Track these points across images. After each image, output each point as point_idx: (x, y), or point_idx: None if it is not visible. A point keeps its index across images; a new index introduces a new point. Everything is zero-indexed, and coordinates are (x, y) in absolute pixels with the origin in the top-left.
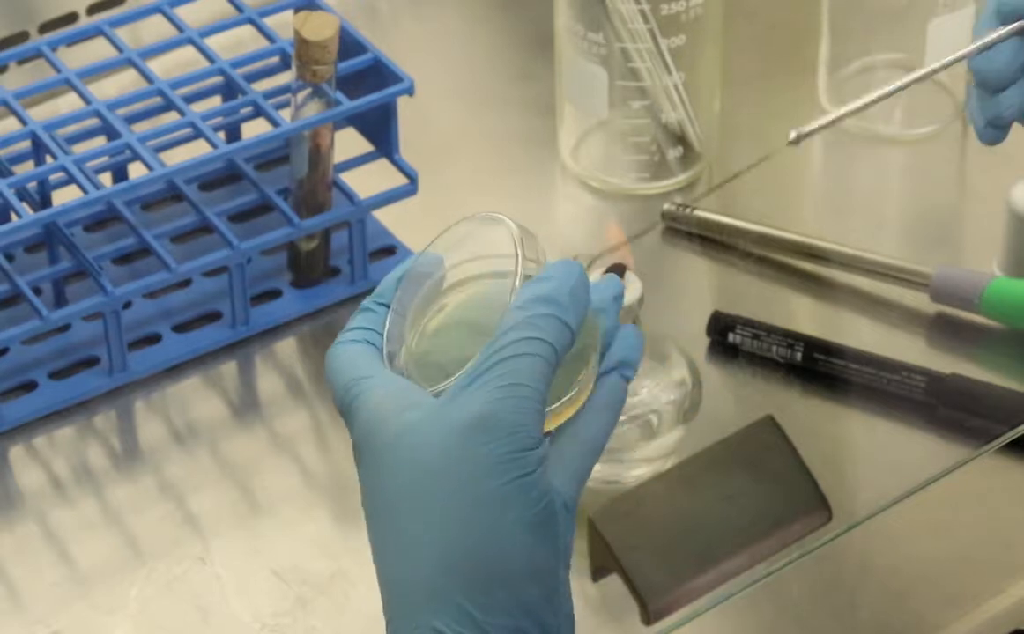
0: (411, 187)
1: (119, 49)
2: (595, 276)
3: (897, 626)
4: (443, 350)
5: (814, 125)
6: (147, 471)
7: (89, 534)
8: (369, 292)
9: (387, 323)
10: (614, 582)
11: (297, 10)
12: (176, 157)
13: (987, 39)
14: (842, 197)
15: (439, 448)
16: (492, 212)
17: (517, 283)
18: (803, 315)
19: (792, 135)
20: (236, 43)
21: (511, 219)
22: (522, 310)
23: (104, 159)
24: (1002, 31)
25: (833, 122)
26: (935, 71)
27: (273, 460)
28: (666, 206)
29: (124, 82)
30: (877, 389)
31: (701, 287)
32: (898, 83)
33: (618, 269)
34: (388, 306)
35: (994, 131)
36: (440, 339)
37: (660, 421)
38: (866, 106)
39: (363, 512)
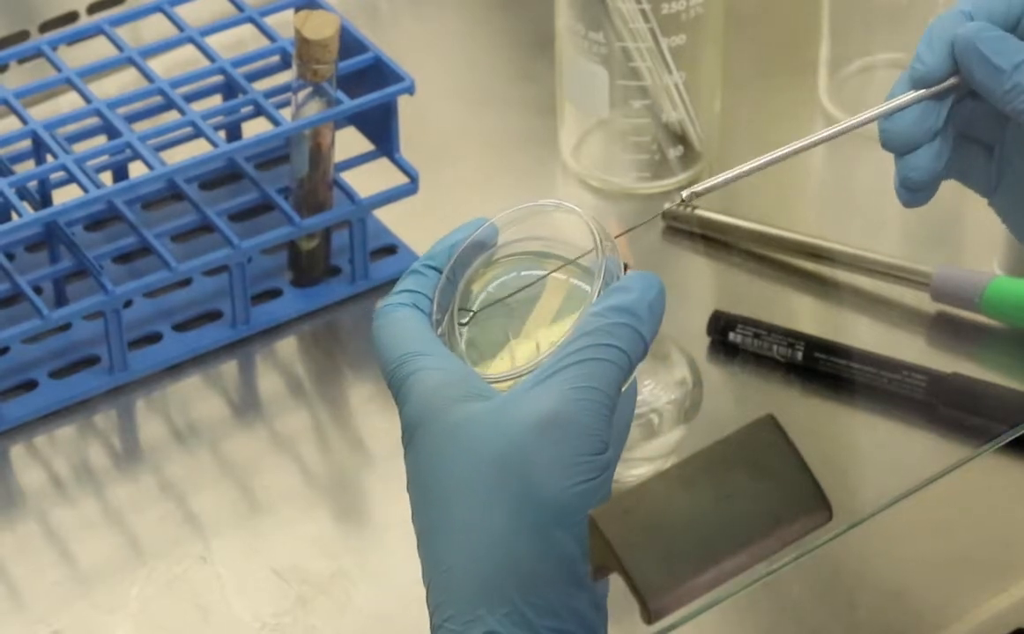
0: (412, 186)
1: (119, 48)
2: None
3: (897, 626)
4: (481, 328)
5: (708, 183)
6: (148, 470)
7: (90, 533)
8: (370, 291)
9: (437, 290)
10: (614, 581)
11: (298, 9)
12: (177, 156)
13: (895, 103)
14: (843, 196)
15: (506, 442)
16: (569, 203)
17: (599, 286)
18: (804, 314)
19: (684, 194)
20: (237, 42)
21: (589, 215)
22: (600, 317)
23: (104, 158)
24: (912, 95)
25: (726, 182)
26: (840, 132)
27: (273, 459)
28: (667, 205)
29: (124, 81)
30: (878, 388)
31: (702, 286)
32: (794, 145)
33: None
34: (438, 270)
35: (907, 193)
36: (480, 316)
37: (661, 420)
38: (760, 167)
39: (409, 496)
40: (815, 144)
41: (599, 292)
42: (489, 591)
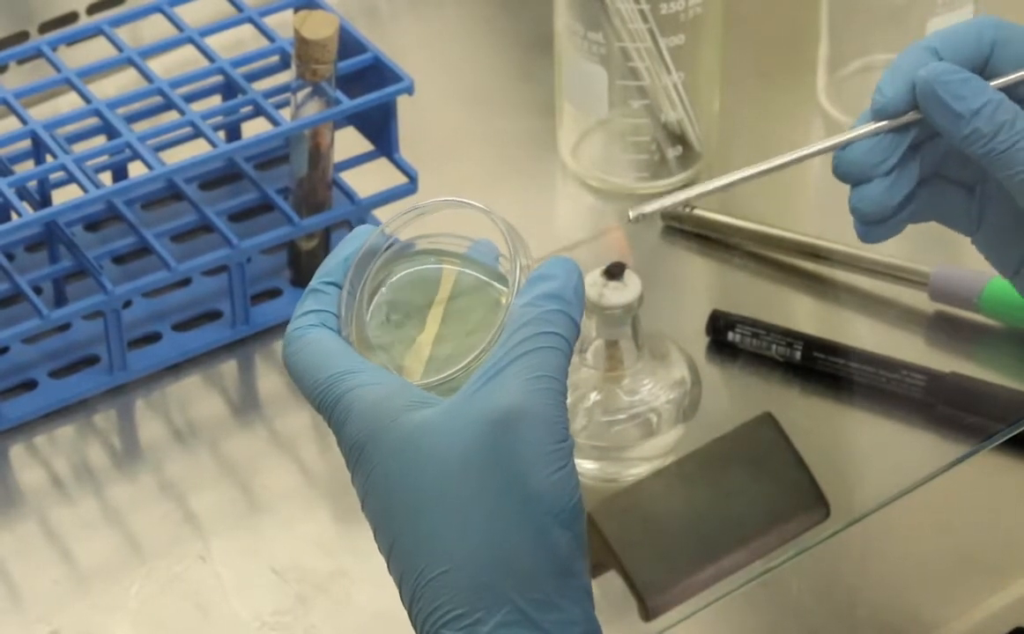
0: (411, 186)
1: (119, 48)
2: (593, 275)
3: (896, 624)
4: (387, 330)
5: (655, 205)
6: (147, 470)
7: (89, 533)
8: None
9: (341, 304)
10: (613, 579)
11: (297, 9)
12: (176, 156)
13: (852, 134)
14: (842, 196)
15: (471, 443)
16: (465, 198)
17: (519, 276)
18: (802, 314)
19: (631, 215)
20: (236, 42)
21: (488, 207)
22: (533, 307)
23: (104, 158)
24: (871, 127)
25: (676, 203)
26: (800, 159)
27: (273, 459)
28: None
29: (124, 81)
30: (876, 388)
31: (700, 286)
32: (758, 167)
33: (617, 268)
34: (337, 285)
35: (858, 225)
36: (380, 318)
37: (659, 420)
38: (720, 189)
39: (367, 516)
40: (776, 168)
41: (518, 282)
42: (485, 593)
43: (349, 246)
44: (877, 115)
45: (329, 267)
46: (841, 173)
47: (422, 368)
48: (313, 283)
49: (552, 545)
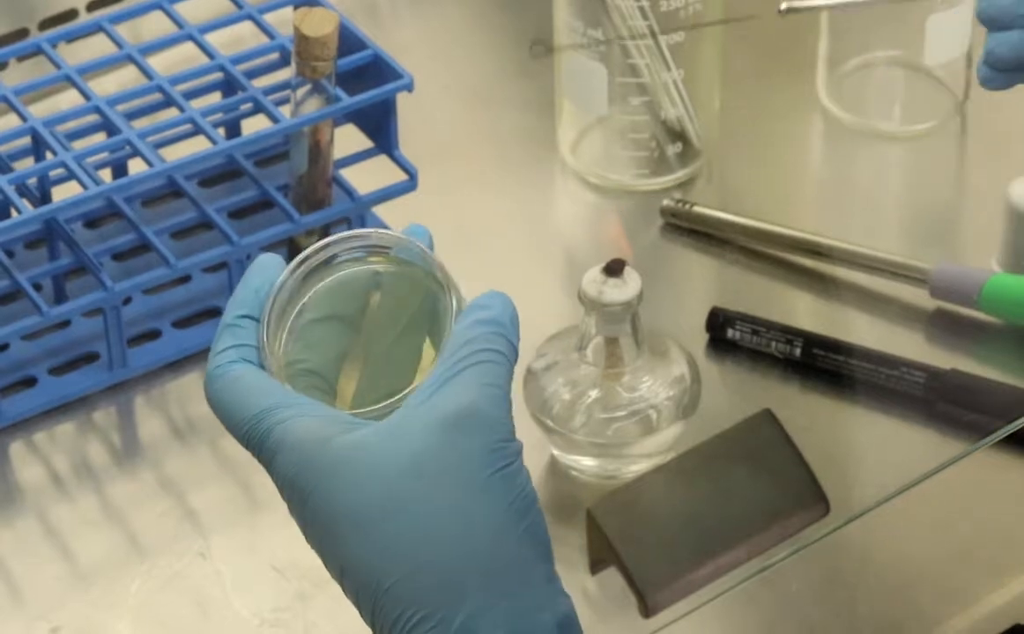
0: (410, 183)
1: (119, 45)
2: (593, 272)
3: (896, 620)
4: (310, 351)
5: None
6: (147, 467)
7: (89, 530)
8: None
9: (261, 334)
10: (612, 575)
11: (297, 6)
12: (176, 153)
13: None
14: (841, 193)
15: (417, 448)
16: (389, 229)
17: (453, 302)
18: (802, 311)
19: (782, 7)
20: (236, 39)
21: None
22: (472, 328)
23: (104, 155)
24: None
25: (827, 6)
26: None
27: None
28: (665, 202)
29: (124, 78)
30: (876, 384)
31: (700, 283)
32: None
33: (617, 265)
34: (252, 317)
35: (988, 69)
36: (305, 340)
37: (659, 417)
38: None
39: (312, 545)
40: None
41: (453, 304)
42: (447, 591)
43: (257, 277)
44: None
45: (239, 299)
46: (988, 17)
47: (353, 388)
48: (226, 318)
49: (509, 535)
